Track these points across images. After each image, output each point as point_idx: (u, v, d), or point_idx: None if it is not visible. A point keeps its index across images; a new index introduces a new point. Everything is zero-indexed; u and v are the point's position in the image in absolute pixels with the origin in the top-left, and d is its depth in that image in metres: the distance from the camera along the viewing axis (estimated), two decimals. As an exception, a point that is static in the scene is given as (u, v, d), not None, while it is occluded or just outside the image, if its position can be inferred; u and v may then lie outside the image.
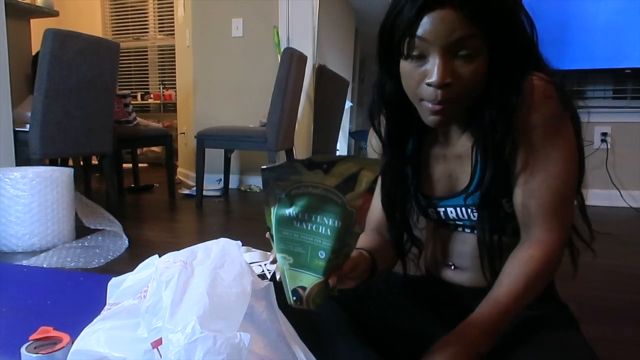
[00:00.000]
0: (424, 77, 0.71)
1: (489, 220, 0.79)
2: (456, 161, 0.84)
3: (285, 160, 0.60)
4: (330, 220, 0.57)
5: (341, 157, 0.56)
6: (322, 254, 0.59)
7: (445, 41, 0.67)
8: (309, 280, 0.63)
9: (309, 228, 0.59)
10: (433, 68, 0.69)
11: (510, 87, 0.72)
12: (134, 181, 3.84)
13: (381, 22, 0.74)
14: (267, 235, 0.66)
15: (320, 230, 0.58)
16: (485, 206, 0.78)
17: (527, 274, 0.74)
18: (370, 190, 0.56)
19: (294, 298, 0.65)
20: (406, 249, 0.92)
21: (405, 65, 0.73)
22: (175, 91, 5.06)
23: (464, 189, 0.81)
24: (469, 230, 0.85)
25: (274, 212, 0.62)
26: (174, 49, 4.69)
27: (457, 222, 0.86)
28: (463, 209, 0.83)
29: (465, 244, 0.86)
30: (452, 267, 0.89)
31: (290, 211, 0.60)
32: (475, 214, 0.81)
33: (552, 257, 0.76)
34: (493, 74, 0.72)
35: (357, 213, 0.57)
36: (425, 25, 0.68)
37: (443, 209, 0.86)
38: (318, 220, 0.58)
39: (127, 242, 2.09)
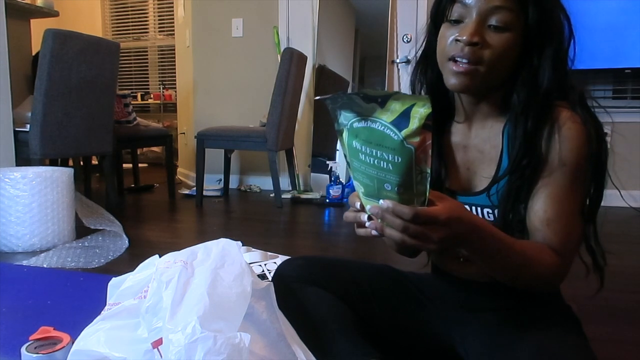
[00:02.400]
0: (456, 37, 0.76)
1: (510, 214, 0.79)
2: (476, 154, 0.85)
3: (340, 92, 0.60)
4: (390, 155, 0.58)
5: (393, 92, 0.56)
6: (388, 186, 0.60)
7: (484, 6, 0.73)
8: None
9: (372, 162, 0.60)
10: (466, 26, 0.75)
11: (542, 75, 0.76)
12: (134, 181, 3.84)
13: None
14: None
15: (382, 165, 0.59)
16: (509, 197, 0.78)
17: (538, 258, 0.73)
18: (426, 127, 0.56)
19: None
20: None
21: (443, 28, 0.79)
22: (175, 91, 5.06)
23: (488, 185, 0.81)
24: None
25: (345, 142, 0.63)
26: (174, 49, 4.69)
27: None
28: (478, 208, 0.83)
29: None
30: (461, 259, 0.88)
31: (355, 143, 0.61)
32: (490, 215, 0.81)
33: (560, 270, 0.76)
34: (525, 60, 0.76)
35: (416, 150, 0.56)
36: None
37: None
38: (379, 155, 0.59)
39: (127, 242, 2.09)
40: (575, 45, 0.78)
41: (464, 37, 0.74)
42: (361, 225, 0.66)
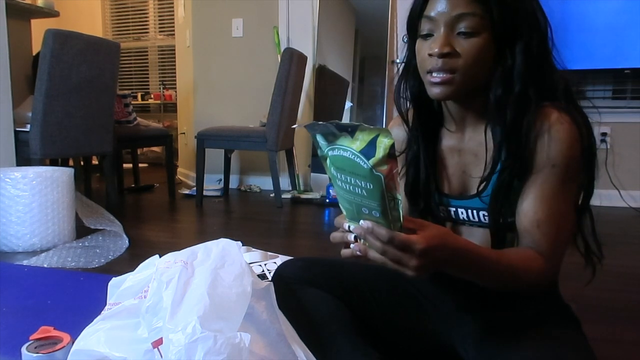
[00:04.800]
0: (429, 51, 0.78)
1: (500, 215, 0.79)
2: (471, 157, 0.85)
3: (314, 121, 0.65)
4: (362, 182, 0.61)
5: (359, 124, 0.59)
6: (366, 210, 0.63)
7: (448, 16, 0.75)
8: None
9: (348, 188, 0.63)
10: (435, 39, 0.76)
11: (516, 71, 0.76)
12: (134, 181, 3.84)
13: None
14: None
15: (357, 191, 0.62)
16: (498, 195, 0.78)
17: (525, 268, 0.74)
18: (391, 156, 0.59)
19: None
20: None
21: (418, 43, 0.81)
22: (176, 91, 5.06)
23: (479, 187, 0.81)
24: (477, 226, 0.85)
25: (327, 168, 0.67)
26: (174, 49, 4.69)
27: (467, 222, 0.86)
28: (475, 211, 0.83)
29: (472, 237, 0.85)
30: None
31: (332, 170, 0.65)
32: (486, 218, 0.81)
33: (547, 274, 0.76)
34: (499, 59, 0.76)
35: (385, 178, 0.59)
36: (433, 5, 0.76)
37: (454, 209, 0.86)
38: (353, 182, 0.62)
39: (127, 242, 2.09)
40: (552, 33, 0.79)
41: (435, 50, 0.75)
42: (347, 246, 0.68)
